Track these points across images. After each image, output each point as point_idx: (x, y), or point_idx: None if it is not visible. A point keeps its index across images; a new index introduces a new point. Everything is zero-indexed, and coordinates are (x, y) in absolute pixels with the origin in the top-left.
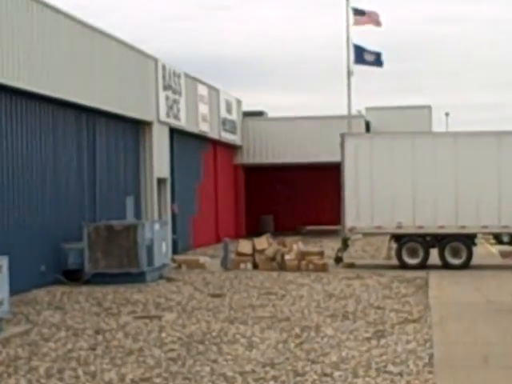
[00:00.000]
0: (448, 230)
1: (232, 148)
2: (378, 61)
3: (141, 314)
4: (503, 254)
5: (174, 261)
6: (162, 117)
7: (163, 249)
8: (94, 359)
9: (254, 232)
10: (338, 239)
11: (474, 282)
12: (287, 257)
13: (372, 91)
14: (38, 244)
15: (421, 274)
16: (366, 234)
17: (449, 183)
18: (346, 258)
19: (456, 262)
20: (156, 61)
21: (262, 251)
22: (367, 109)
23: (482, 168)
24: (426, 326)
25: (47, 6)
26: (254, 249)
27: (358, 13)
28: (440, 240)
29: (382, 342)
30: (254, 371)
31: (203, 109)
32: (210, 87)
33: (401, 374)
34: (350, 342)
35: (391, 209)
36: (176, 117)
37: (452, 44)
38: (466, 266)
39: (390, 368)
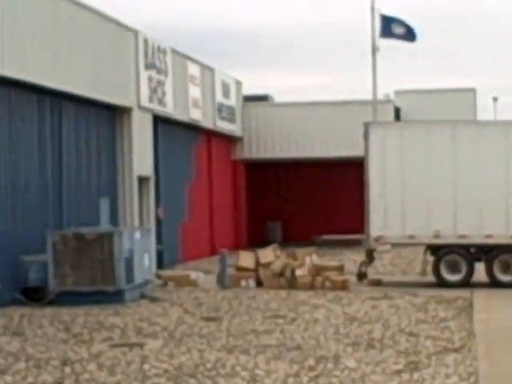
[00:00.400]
0: (497, 240)
1: (230, 140)
2: (410, 34)
3: (118, 342)
4: None
5: (158, 277)
6: (144, 102)
7: (145, 262)
8: None
9: (257, 242)
10: (361, 251)
11: None
12: (298, 272)
13: (402, 71)
14: None
15: (463, 293)
16: (395, 245)
17: (498, 183)
18: (372, 273)
19: (507, 278)
20: (136, 33)
21: (267, 265)
22: (396, 92)
23: None
24: (470, 357)
25: None
26: (257, 262)
27: None
28: (487, 252)
29: (416, 375)
30: None
31: (194, 92)
32: (203, 66)
33: None
34: (376, 375)
35: (427, 214)
36: (161, 102)
37: (502, 14)
38: None
39: None
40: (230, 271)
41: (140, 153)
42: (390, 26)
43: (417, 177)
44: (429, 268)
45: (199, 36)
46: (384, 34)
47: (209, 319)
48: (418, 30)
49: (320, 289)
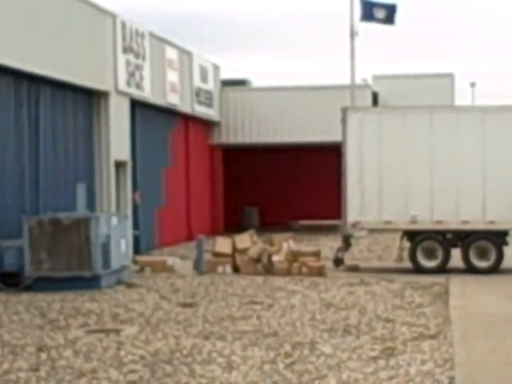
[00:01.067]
0: (473, 226)
1: (208, 124)
2: (390, 16)
3: (94, 328)
4: None
5: (135, 262)
6: (122, 86)
7: (122, 248)
8: (37, 382)
9: (234, 228)
10: (338, 237)
11: (505, 290)
12: (275, 258)
13: (380, 56)
14: None
15: (440, 279)
16: (372, 231)
17: (475, 168)
18: (348, 259)
19: (483, 264)
20: (114, 17)
21: (244, 251)
22: (375, 77)
23: None
24: (446, 343)
25: None
26: (234, 248)
27: None
28: (463, 238)
29: (392, 362)
30: None
31: (172, 76)
32: (181, 50)
33: None
34: (352, 362)
35: (404, 200)
36: (138, 86)
37: None
38: (494, 269)
39: None
40: (207, 257)
41: (117, 137)
42: (371, 10)
43: (394, 162)
44: (405, 254)
45: (177, 19)
46: (364, 16)
47: (185, 305)
48: (396, 11)
49: (297, 275)
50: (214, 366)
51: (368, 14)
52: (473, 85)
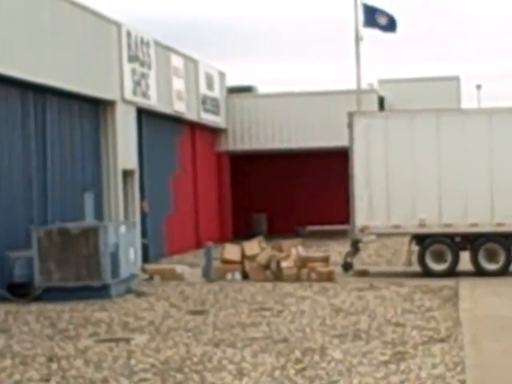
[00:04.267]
0: (482, 229)
1: (214, 132)
2: (391, 25)
3: (104, 337)
4: None
5: (144, 271)
6: (128, 95)
7: (131, 256)
8: None
9: (242, 234)
10: (346, 242)
11: None
12: (284, 264)
13: (386, 60)
14: None
15: (449, 282)
16: (380, 235)
17: (482, 171)
18: (357, 264)
19: (492, 267)
20: (119, 26)
21: (252, 258)
22: (380, 82)
23: None
24: (457, 347)
25: None
26: (243, 255)
27: None
28: (472, 241)
29: (403, 366)
30: None
31: (178, 84)
32: (187, 58)
33: None
34: (362, 366)
35: (412, 203)
36: (145, 94)
37: (485, 1)
38: (504, 272)
39: None
40: (216, 264)
41: (124, 146)
42: (373, 16)
43: (401, 166)
44: (414, 258)
45: (181, 27)
46: (367, 23)
47: (195, 313)
48: (401, 18)
49: (306, 280)
50: (224, 374)
51: (370, 21)
52: (479, 87)
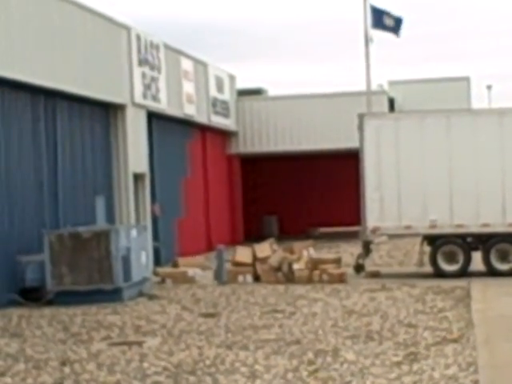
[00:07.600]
0: (494, 229)
1: (225, 134)
2: (396, 27)
3: (117, 340)
4: None
5: (156, 274)
6: (138, 98)
7: (143, 260)
8: None
9: (254, 237)
10: (358, 243)
11: None
12: (296, 266)
13: (396, 61)
14: None
15: (461, 283)
16: (392, 236)
17: (493, 171)
18: (369, 265)
19: (504, 267)
20: (129, 30)
21: (264, 260)
22: (390, 83)
23: None
24: (469, 347)
25: None
26: (254, 257)
27: None
28: (484, 241)
29: (415, 367)
30: None
31: (188, 87)
32: (197, 61)
33: None
34: (375, 368)
35: (423, 204)
36: (155, 98)
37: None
38: None
39: None
40: (228, 267)
41: (135, 150)
42: (381, 18)
43: (412, 167)
44: (426, 258)
45: (190, 29)
46: (375, 24)
47: (207, 315)
48: (403, 23)
49: (318, 282)
50: (237, 376)
51: (378, 22)
52: (489, 87)
